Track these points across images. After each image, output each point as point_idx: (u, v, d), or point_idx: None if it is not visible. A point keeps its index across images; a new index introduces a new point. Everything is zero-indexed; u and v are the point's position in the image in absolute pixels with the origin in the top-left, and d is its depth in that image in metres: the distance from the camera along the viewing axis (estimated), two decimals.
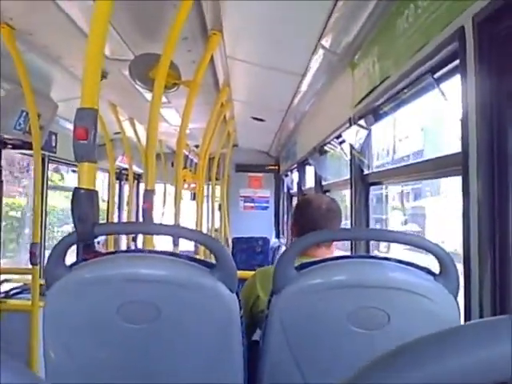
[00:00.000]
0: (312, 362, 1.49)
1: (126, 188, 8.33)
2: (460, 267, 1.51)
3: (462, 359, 0.36)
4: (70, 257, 1.51)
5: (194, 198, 7.36)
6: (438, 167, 1.98)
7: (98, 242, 5.69)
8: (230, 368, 1.53)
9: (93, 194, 1.55)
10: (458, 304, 1.46)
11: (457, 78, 1.63)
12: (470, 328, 0.39)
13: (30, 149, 3.81)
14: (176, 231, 1.79)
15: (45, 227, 5.19)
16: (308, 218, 2.00)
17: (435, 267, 1.49)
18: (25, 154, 4.94)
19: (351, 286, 1.47)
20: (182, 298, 1.46)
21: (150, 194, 2.71)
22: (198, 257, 1.68)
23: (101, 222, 1.60)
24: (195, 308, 1.48)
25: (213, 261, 1.53)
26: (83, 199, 1.53)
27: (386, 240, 1.71)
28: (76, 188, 1.54)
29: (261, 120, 5.74)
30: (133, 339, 1.48)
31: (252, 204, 8.85)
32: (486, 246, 1.40)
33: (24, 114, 3.97)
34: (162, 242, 3.82)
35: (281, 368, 1.53)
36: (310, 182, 5.49)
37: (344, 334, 1.47)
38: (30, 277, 3.63)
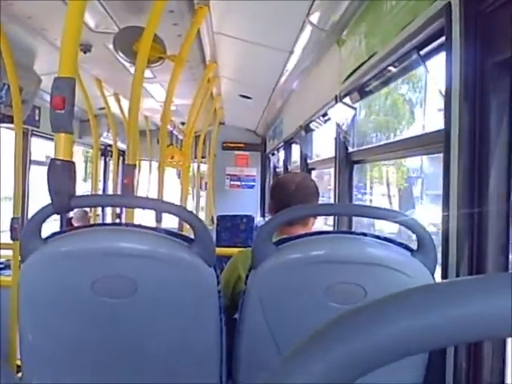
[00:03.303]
0: (288, 337, 1.49)
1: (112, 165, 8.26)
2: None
3: (461, 310, 0.35)
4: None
5: (180, 175, 7.32)
6: (422, 144, 1.97)
7: (71, 218, 5.63)
8: (206, 342, 1.53)
9: (69, 166, 1.52)
10: (434, 280, 1.47)
11: (442, 55, 1.61)
12: (470, 281, 0.38)
13: (12, 122, 3.74)
14: (153, 204, 1.77)
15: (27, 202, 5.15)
16: (279, 198, 2.01)
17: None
18: (8, 128, 4.86)
19: (329, 261, 1.47)
20: (159, 272, 1.45)
21: (130, 168, 2.67)
22: (179, 232, 1.66)
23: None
24: (172, 282, 1.47)
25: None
26: (59, 170, 1.50)
27: (363, 215, 1.71)
28: (52, 159, 1.51)
29: (248, 97, 5.69)
30: (109, 314, 1.47)
31: (238, 183, 8.84)
32: (464, 222, 1.40)
33: (6, 86, 3.89)
34: (146, 220, 3.80)
35: (257, 342, 1.54)
36: (296, 160, 5.47)
37: (321, 309, 1.47)
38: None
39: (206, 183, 8.41)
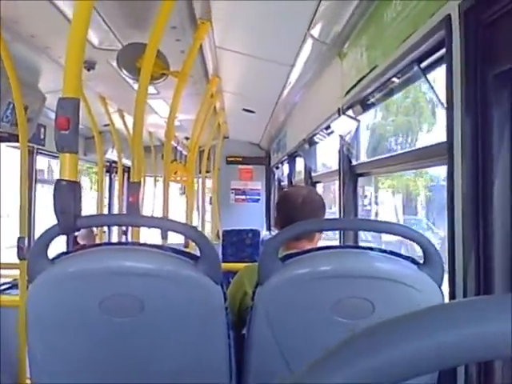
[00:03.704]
0: (297, 352, 1.49)
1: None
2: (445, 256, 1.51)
3: (458, 333, 0.36)
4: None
5: (183, 192, 7.33)
6: (425, 157, 1.97)
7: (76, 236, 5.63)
8: (215, 359, 1.53)
9: (75, 186, 1.53)
10: (442, 293, 1.46)
11: (443, 68, 1.62)
12: (468, 303, 0.38)
13: (18, 141, 3.77)
14: (158, 223, 1.77)
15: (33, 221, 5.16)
16: (285, 212, 2.01)
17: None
18: (12, 147, 4.90)
19: (336, 276, 1.46)
20: (166, 291, 1.45)
21: (135, 186, 2.67)
22: (185, 250, 1.67)
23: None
24: (179, 300, 1.47)
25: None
26: (65, 191, 1.50)
27: (369, 229, 1.70)
28: (57, 179, 1.52)
29: (251, 111, 5.71)
30: (117, 333, 1.47)
31: (243, 196, 8.83)
32: (470, 234, 1.40)
33: (11, 105, 3.93)
34: (152, 236, 3.80)
35: (266, 358, 1.53)
36: (300, 173, 5.47)
37: (329, 325, 1.46)
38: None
39: (210, 198, 8.41)
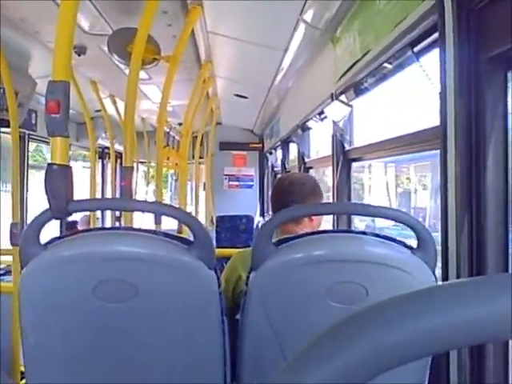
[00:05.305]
0: (291, 337, 1.49)
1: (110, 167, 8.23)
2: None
3: (459, 313, 0.35)
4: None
5: (177, 178, 7.31)
6: (419, 141, 1.97)
7: (74, 222, 5.62)
8: (209, 344, 1.53)
9: (66, 170, 1.51)
10: (435, 277, 1.47)
11: (436, 51, 1.61)
12: (468, 284, 0.38)
13: (8, 126, 3.73)
14: (152, 207, 1.77)
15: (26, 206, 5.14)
16: (275, 195, 2.05)
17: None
18: (3, 132, 4.86)
19: (329, 260, 1.47)
20: (160, 276, 1.45)
21: (128, 170, 2.66)
22: (178, 235, 1.66)
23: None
24: (173, 285, 1.47)
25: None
26: (56, 175, 1.49)
27: (363, 214, 1.70)
28: (49, 164, 1.50)
29: (244, 97, 5.69)
30: (110, 318, 1.47)
31: (237, 182, 8.81)
32: (463, 218, 1.40)
33: (1, 91, 3.89)
34: (146, 221, 3.79)
35: (260, 343, 1.54)
36: (293, 159, 5.47)
37: (323, 309, 1.47)
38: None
39: (204, 184, 8.39)
